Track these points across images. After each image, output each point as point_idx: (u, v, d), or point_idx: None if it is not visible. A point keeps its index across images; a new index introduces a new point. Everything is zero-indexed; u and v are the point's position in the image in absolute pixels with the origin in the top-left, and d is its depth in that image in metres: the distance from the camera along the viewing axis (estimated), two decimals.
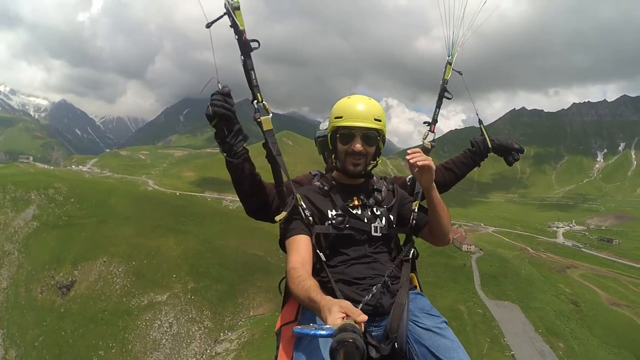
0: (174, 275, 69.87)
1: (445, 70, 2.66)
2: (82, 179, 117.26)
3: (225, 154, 1.97)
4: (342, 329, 1.13)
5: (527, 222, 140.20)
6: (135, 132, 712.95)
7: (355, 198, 2.14)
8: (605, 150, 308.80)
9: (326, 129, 2.28)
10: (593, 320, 64.50)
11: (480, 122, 2.73)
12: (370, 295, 1.84)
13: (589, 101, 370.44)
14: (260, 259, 75.32)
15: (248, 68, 1.97)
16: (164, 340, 61.22)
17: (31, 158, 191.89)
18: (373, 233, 2.07)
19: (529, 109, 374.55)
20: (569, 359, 53.34)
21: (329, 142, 2.17)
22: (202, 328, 63.62)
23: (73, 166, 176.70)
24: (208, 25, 1.86)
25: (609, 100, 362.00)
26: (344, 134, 2.06)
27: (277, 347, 1.85)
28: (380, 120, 2.07)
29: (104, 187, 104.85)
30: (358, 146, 2.04)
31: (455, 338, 1.80)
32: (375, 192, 2.20)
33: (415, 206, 2.25)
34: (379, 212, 2.14)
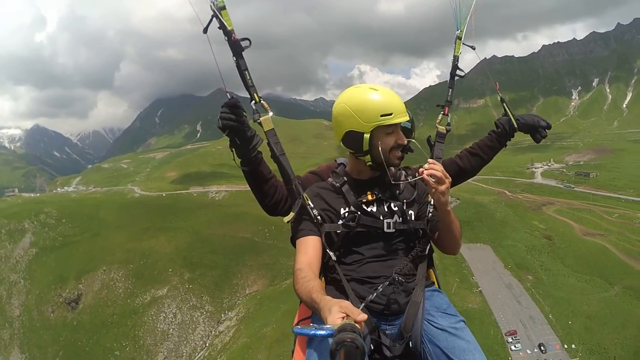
0: (170, 270, 73.28)
1: (455, 46, 2.49)
2: (69, 199, 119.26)
3: (239, 160, 1.99)
4: (341, 329, 1.11)
5: (505, 167, 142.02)
6: (113, 142, 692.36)
7: (369, 193, 1.98)
8: (579, 88, 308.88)
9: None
10: (565, 251, 66.99)
11: (502, 100, 2.57)
12: (375, 294, 1.77)
13: (558, 42, 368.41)
14: (248, 241, 78.58)
15: (242, 68, 1.94)
16: (171, 330, 65.21)
17: (16, 190, 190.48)
18: (386, 230, 1.93)
19: (499, 56, 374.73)
20: (536, 289, 56.27)
21: (367, 142, 1.88)
22: (204, 313, 67.55)
23: (58, 189, 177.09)
24: (205, 31, 1.88)
25: (578, 39, 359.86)
26: (389, 132, 1.88)
27: (294, 342, 1.85)
28: None
29: (92, 202, 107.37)
30: (405, 139, 1.93)
31: (472, 338, 1.72)
32: (392, 185, 2.01)
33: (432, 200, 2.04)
34: (395, 207, 1.98)
